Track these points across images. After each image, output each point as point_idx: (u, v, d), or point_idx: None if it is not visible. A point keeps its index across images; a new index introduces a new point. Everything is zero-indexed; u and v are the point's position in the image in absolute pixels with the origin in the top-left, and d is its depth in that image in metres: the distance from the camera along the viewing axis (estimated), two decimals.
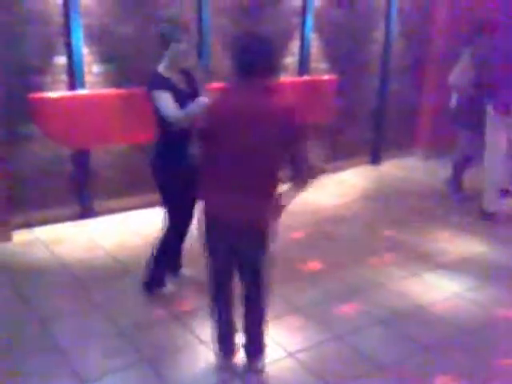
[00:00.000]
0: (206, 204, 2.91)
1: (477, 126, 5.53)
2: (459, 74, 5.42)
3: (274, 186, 2.83)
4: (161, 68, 3.57)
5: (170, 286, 3.98)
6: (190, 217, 3.78)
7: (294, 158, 2.78)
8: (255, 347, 3.10)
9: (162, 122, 3.48)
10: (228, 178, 2.78)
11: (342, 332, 3.53)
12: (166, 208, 3.74)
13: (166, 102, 3.41)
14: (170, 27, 3.50)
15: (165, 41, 3.52)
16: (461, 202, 5.83)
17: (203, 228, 2.94)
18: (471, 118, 5.54)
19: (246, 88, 2.72)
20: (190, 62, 3.72)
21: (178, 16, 3.60)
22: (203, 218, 2.92)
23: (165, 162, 3.62)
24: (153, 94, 3.45)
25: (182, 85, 3.59)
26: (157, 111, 3.48)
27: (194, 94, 3.59)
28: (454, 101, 5.77)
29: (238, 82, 2.76)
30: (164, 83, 3.49)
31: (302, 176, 2.80)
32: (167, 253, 3.90)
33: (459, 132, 5.76)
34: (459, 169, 5.91)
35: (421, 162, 7.36)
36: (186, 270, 4.13)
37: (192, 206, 3.72)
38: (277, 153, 2.74)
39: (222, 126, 2.73)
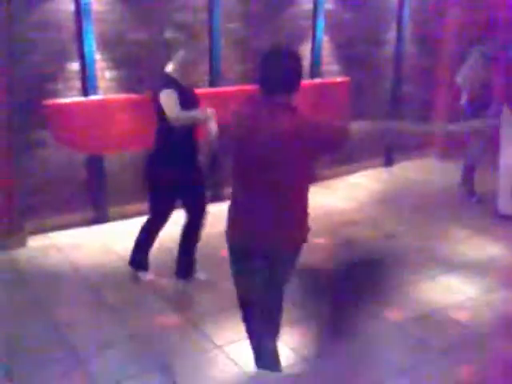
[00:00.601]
0: (231, 229, 2.76)
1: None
2: (469, 73, 5.37)
3: (301, 201, 2.69)
4: (169, 69, 3.68)
5: (149, 275, 4.15)
6: (163, 218, 3.99)
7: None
8: (265, 361, 2.92)
9: (164, 123, 3.58)
10: (250, 200, 2.65)
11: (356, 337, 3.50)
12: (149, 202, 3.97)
13: (171, 100, 3.52)
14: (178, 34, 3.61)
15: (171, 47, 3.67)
16: (477, 203, 5.78)
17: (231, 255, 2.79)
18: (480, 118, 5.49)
19: (265, 104, 2.56)
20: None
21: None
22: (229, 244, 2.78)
23: (160, 163, 3.79)
24: (160, 93, 3.54)
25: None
26: (160, 111, 3.56)
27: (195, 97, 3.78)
28: (463, 101, 5.71)
29: (259, 97, 2.60)
30: (171, 82, 3.60)
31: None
32: (145, 239, 4.10)
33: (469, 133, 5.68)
34: (470, 170, 5.84)
35: (434, 163, 7.31)
36: (200, 274, 4.14)
37: (168, 210, 3.95)
38: (298, 168, 2.58)
39: (240, 142, 2.63)
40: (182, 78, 3.68)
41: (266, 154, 2.52)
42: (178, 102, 3.52)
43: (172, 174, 3.74)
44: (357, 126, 2.57)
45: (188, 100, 3.63)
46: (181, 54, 3.65)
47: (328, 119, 2.59)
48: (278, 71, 2.54)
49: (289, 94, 2.55)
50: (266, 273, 2.70)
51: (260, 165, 2.55)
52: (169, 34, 3.67)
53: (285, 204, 2.62)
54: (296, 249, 2.73)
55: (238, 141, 2.64)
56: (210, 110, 3.52)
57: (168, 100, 3.51)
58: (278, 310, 2.86)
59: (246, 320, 2.93)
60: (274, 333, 2.87)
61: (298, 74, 2.58)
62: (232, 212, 2.75)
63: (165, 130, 3.66)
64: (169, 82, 3.61)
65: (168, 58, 3.69)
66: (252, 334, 2.92)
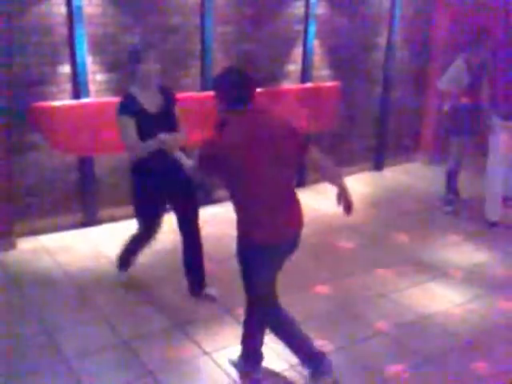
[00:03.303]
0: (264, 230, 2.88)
1: (468, 133, 5.54)
2: (452, 79, 5.42)
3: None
4: (132, 89, 3.57)
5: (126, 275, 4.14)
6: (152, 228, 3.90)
7: None
8: None
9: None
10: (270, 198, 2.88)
11: (343, 344, 3.54)
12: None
13: (127, 129, 3.42)
14: (134, 47, 3.54)
15: (130, 61, 3.54)
16: (451, 214, 5.75)
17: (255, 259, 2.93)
18: (463, 124, 5.52)
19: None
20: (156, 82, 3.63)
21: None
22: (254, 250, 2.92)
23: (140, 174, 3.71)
24: (117, 119, 3.47)
25: (151, 106, 3.55)
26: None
27: (164, 115, 3.60)
28: (446, 107, 5.73)
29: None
30: (130, 107, 3.47)
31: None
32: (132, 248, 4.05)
33: (451, 139, 5.69)
34: (452, 178, 5.82)
35: (424, 167, 7.36)
36: (210, 290, 4.03)
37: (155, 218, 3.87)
38: None
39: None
40: (144, 97, 3.53)
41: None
42: (134, 130, 3.42)
43: (154, 185, 3.66)
44: None
45: (151, 121, 3.48)
46: (137, 71, 3.50)
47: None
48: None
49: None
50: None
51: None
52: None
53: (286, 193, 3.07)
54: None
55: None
56: (163, 136, 3.34)
57: (124, 128, 3.43)
58: None
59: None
60: None
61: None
62: (260, 216, 2.86)
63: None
64: (128, 105, 3.47)
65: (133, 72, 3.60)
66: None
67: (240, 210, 2.90)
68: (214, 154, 2.81)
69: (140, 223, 3.90)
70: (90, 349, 3.43)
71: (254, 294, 3.04)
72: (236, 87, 2.86)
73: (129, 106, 3.49)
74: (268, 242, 2.87)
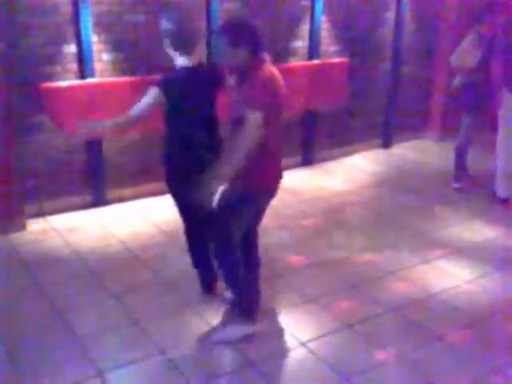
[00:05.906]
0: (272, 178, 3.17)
1: (480, 109, 5.46)
2: (464, 54, 5.33)
3: None
4: None
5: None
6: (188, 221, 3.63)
7: None
8: None
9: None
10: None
11: (353, 321, 3.54)
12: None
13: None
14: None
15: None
16: (460, 191, 5.70)
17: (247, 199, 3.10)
18: (475, 100, 5.45)
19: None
20: None
21: None
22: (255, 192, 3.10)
23: (170, 154, 3.48)
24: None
25: None
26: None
27: None
28: (457, 82, 5.66)
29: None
30: None
31: None
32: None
33: (463, 115, 5.61)
34: (461, 154, 5.74)
35: (433, 144, 7.30)
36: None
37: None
38: None
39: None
40: None
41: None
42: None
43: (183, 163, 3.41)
44: None
45: None
46: None
47: None
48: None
49: None
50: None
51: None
52: None
53: None
54: None
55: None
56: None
57: None
58: None
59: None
60: None
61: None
62: (271, 164, 3.12)
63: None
64: None
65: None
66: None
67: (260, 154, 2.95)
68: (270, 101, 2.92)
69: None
70: (101, 328, 3.45)
71: (229, 234, 3.15)
72: (259, 34, 2.96)
73: None
74: (271, 187, 3.16)
